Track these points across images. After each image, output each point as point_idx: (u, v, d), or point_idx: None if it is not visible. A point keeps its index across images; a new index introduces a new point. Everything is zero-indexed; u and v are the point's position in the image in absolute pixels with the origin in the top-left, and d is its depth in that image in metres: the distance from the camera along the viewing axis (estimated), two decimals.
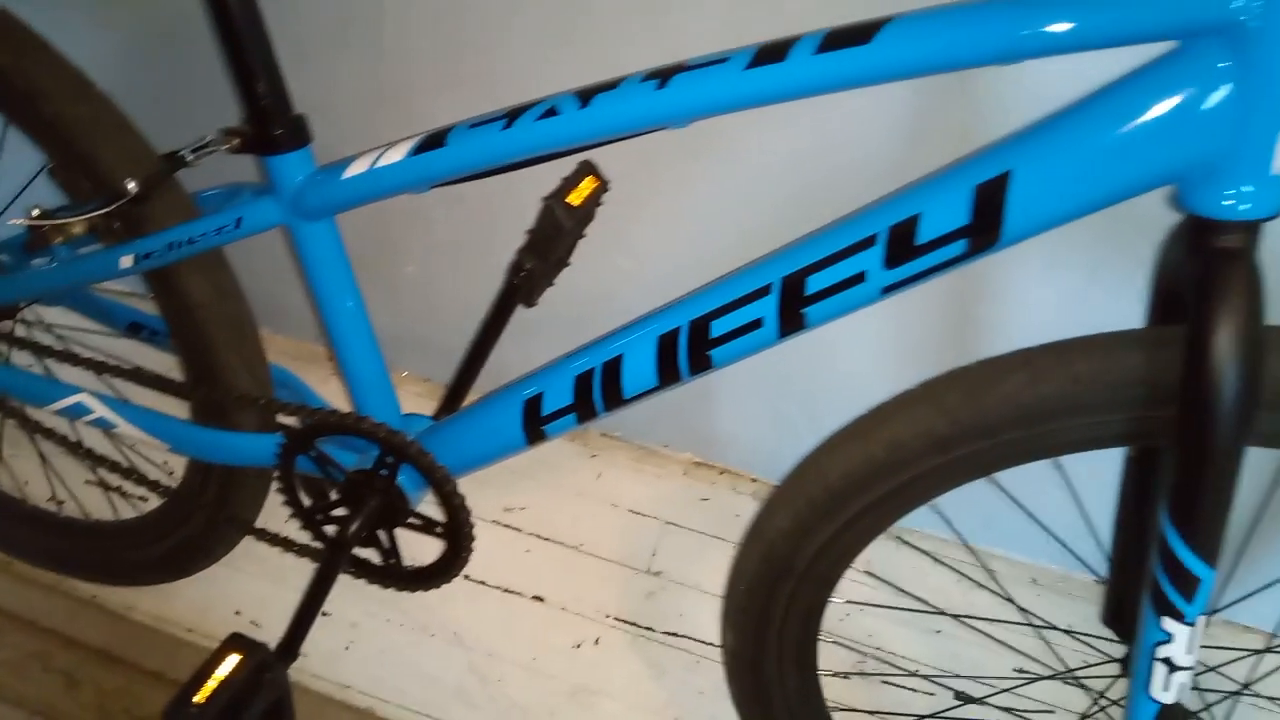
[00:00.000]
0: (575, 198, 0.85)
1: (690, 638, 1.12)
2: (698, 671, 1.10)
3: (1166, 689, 0.64)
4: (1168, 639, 0.62)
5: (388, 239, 1.27)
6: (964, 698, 1.04)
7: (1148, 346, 0.60)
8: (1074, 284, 0.97)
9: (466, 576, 1.17)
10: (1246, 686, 0.79)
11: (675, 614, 1.15)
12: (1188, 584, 0.59)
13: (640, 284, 1.18)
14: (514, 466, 1.30)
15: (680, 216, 1.10)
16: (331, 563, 0.82)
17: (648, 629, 1.13)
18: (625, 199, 1.10)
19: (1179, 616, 0.61)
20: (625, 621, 1.14)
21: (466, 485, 1.26)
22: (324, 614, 1.12)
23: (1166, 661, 0.63)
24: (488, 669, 1.08)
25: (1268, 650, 0.81)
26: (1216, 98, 0.50)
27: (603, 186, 0.89)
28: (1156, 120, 0.52)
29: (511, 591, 1.16)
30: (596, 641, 1.12)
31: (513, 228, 0.99)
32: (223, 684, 0.81)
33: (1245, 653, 0.81)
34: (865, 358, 1.12)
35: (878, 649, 1.12)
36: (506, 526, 1.23)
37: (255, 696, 0.80)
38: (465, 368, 0.88)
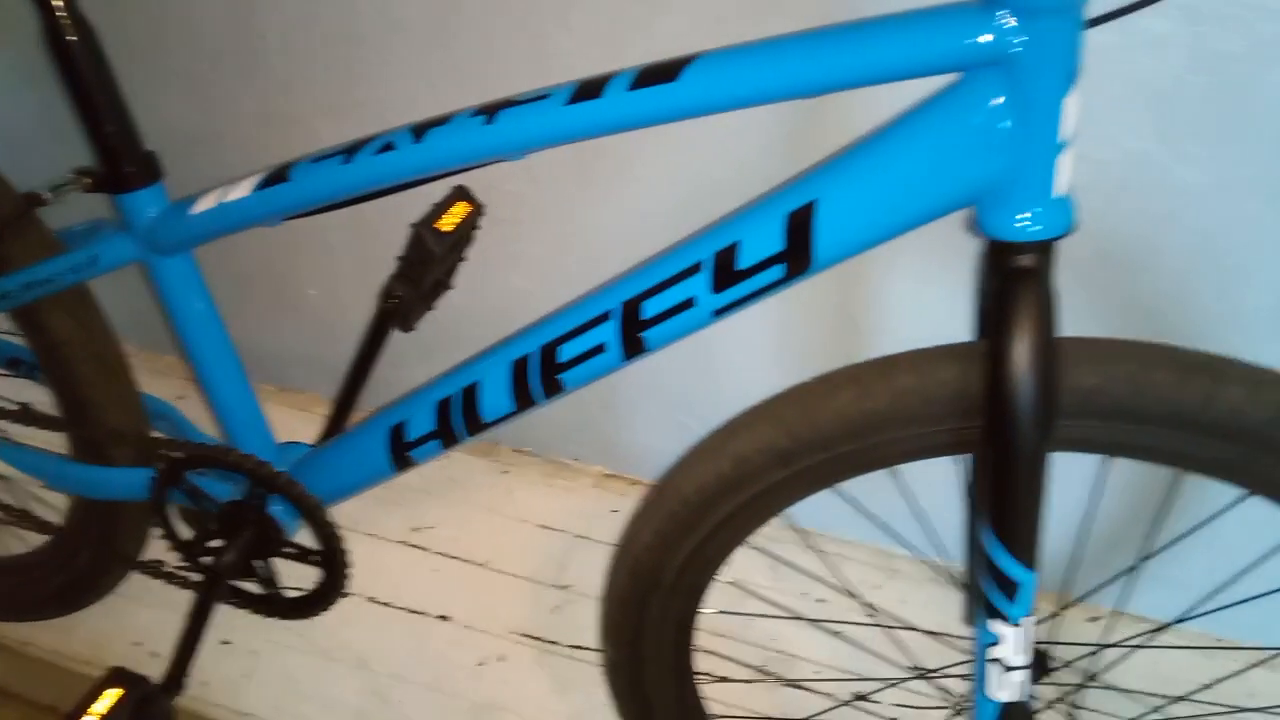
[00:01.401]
0: (447, 223, 0.86)
1: (596, 649, 1.14)
2: (603, 684, 1.11)
3: (1003, 688, 0.67)
4: (997, 641, 0.64)
5: (288, 262, 1.27)
6: (860, 697, 1.06)
7: (961, 361, 0.62)
8: (950, 290, 1.00)
9: (371, 599, 1.17)
10: (1092, 678, 0.82)
11: (582, 627, 1.16)
12: (1009, 588, 0.62)
13: (537, 302, 1.18)
14: (423, 485, 1.32)
15: (572, 235, 1.11)
16: (208, 594, 0.82)
17: (553, 643, 1.14)
18: (517, 219, 1.12)
19: (1005, 619, 0.63)
20: (531, 637, 1.15)
21: (374, 506, 1.27)
22: (224, 642, 1.12)
23: (999, 662, 0.65)
24: (389, 691, 1.09)
25: (1114, 645, 0.84)
26: (996, 126, 0.53)
27: (477, 211, 0.90)
28: (942, 149, 0.54)
29: (417, 612, 1.17)
30: (502, 658, 1.13)
31: None
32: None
33: (1093, 647, 0.84)
34: (757, 368, 1.15)
35: (779, 652, 1.14)
36: (414, 546, 1.24)
37: None
38: (343, 395, 0.89)
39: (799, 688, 1.06)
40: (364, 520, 1.25)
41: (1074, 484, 0.86)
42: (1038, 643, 0.74)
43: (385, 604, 1.17)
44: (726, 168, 0.99)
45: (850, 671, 1.09)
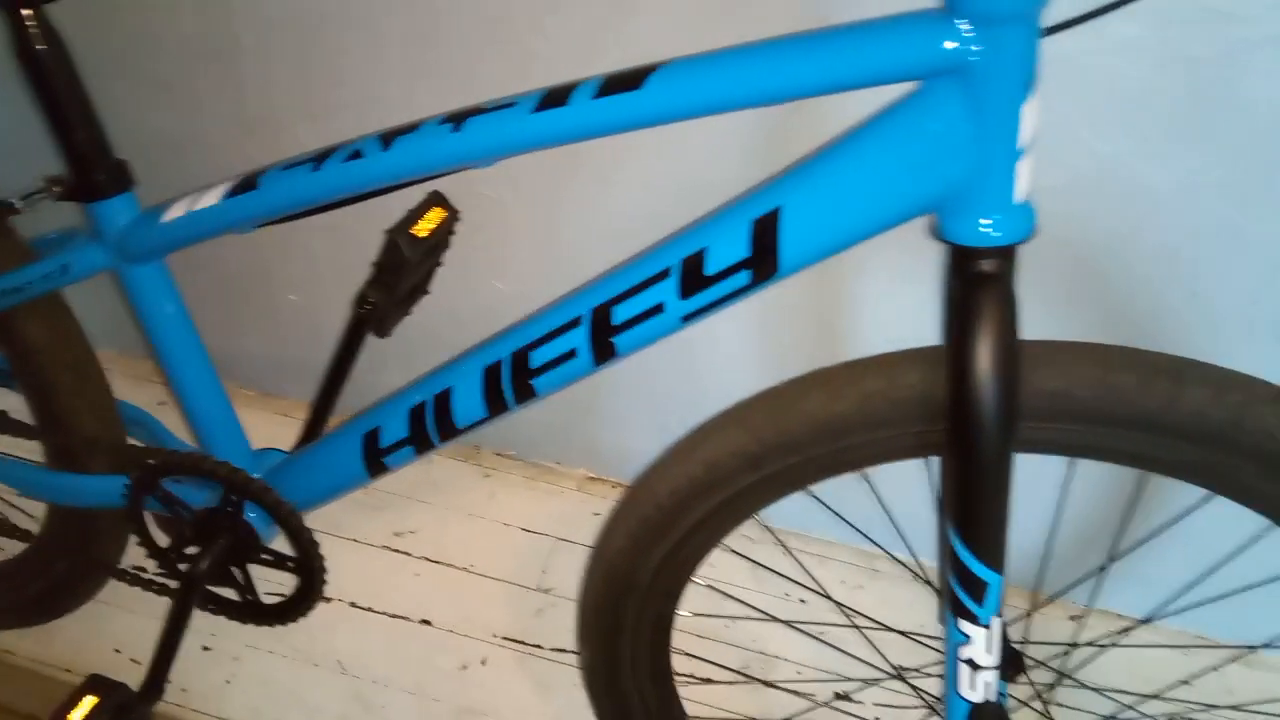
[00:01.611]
0: (421, 229, 0.86)
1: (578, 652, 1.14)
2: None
3: (973, 688, 0.67)
4: (967, 640, 0.65)
5: (268, 268, 1.27)
6: (840, 697, 1.07)
7: (927, 364, 0.63)
8: (923, 293, 1.01)
9: (353, 604, 1.18)
10: (1064, 676, 0.83)
11: (564, 630, 1.16)
12: (976, 588, 0.62)
13: (518, 305, 1.19)
14: (405, 490, 1.32)
15: (552, 238, 1.11)
16: (184, 601, 0.82)
17: (536, 646, 1.15)
18: (498, 223, 1.12)
19: (973, 619, 0.64)
20: (513, 640, 1.15)
21: (356, 511, 1.27)
22: (205, 649, 1.12)
23: (970, 662, 0.66)
24: (372, 696, 1.09)
25: (1087, 644, 0.85)
26: (956, 133, 0.53)
27: (452, 216, 0.90)
28: (903, 156, 0.55)
29: (399, 616, 1.17)
30: (484, 662, 1.13)
31: None
32: None
33: (1066, 645, 0.85)
34: (740, 371, 1.15)
35: (761, 653, 1.15)
36: (396, 551, 1.24)
37: None
38: (319, 402, 0.89)
39: (776, 688, 1.07)
40: (346, 525, 1.26)
41: (1049, 484, 0.86)
42: (1014, 642, 0.75)
43: (367, 609, 1.17)
44: (708, 172, 0.99)
45: (831, 672, 1.10)
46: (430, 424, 0.74)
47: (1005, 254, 0.56)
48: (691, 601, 1.13)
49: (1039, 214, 0.57)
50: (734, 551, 1.08)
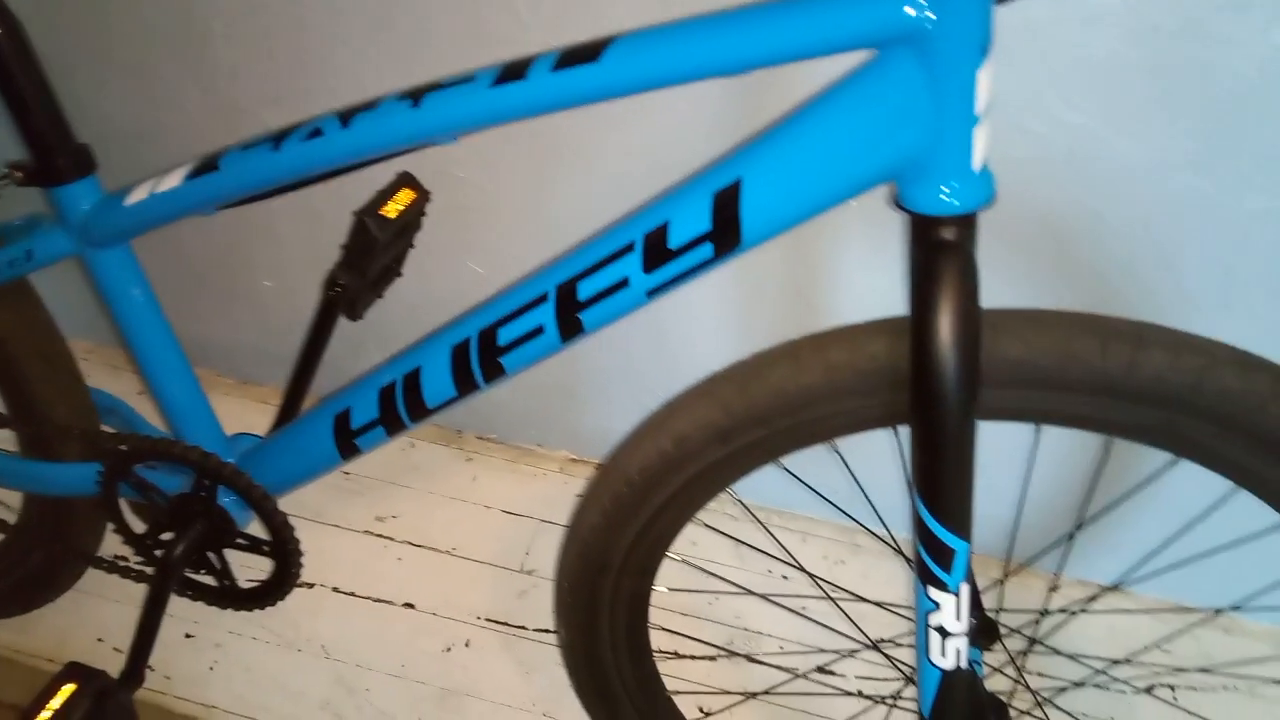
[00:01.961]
0: (391, 210, 0.85)
1: None
2: None
3: (944, 655, 0.67)
4: (936, 608, 0.65)
5: (242, 254, 1.26)
6: (821, 669, 1.08)
7: (892, 335, 0.63)
8: (899, 263, 1.01)
9: (336, 588, 1.18)
10: (1035, 643, 0.84)
11: (547, 611, 1.17)
12: (944, 556, 0.63)
13: (495, 287, 1.19)
14: (387, 474, 1.32)
15: (528, 219, 1.11)
16: (160, 586, 0.82)
17: (519, 628, 1.15)
18: (474, 205, 1.11)
19: (942, 586, 0.64)
20: (496, 622, 1.16)
21: (338, 495, 1.27)
22: (188, 636, 1.12)
23: (940, 630, 0.66)
24: (355, 680, 1.09)
25: (1061, 610, 0.86)
26: (912, 100, 0.53)
27: (423, 197, 0.89)
28: (860, 125, 0.55)
29: (382, 600, 1.17)
30: (467, 644, 1.13)
31: None
32: (57, 715, 0.81)
33: (1036, 613, 0.85)
34: (717, 348, 1.15)
35: (744, 628, 1.15)
36: (378, 536, 1.24)
37: None
38: (292, 386, 0.89)
39: (755, 662, 1.08)
40: (328, 510, 1.26)
41: (1017, 452, 0.87)
42: (988, 610, 0.76)
43: (350, 593, 1.17)
44: (681, 150, 0.99)
45: (812, 646, 1.11)
46: (400, 404, 0.74)
47: (965, 222, 0.56)
48: (674, 578, 1.14)
49: (1007, 184, 0.57)
50: (717, 530, 1.09)
